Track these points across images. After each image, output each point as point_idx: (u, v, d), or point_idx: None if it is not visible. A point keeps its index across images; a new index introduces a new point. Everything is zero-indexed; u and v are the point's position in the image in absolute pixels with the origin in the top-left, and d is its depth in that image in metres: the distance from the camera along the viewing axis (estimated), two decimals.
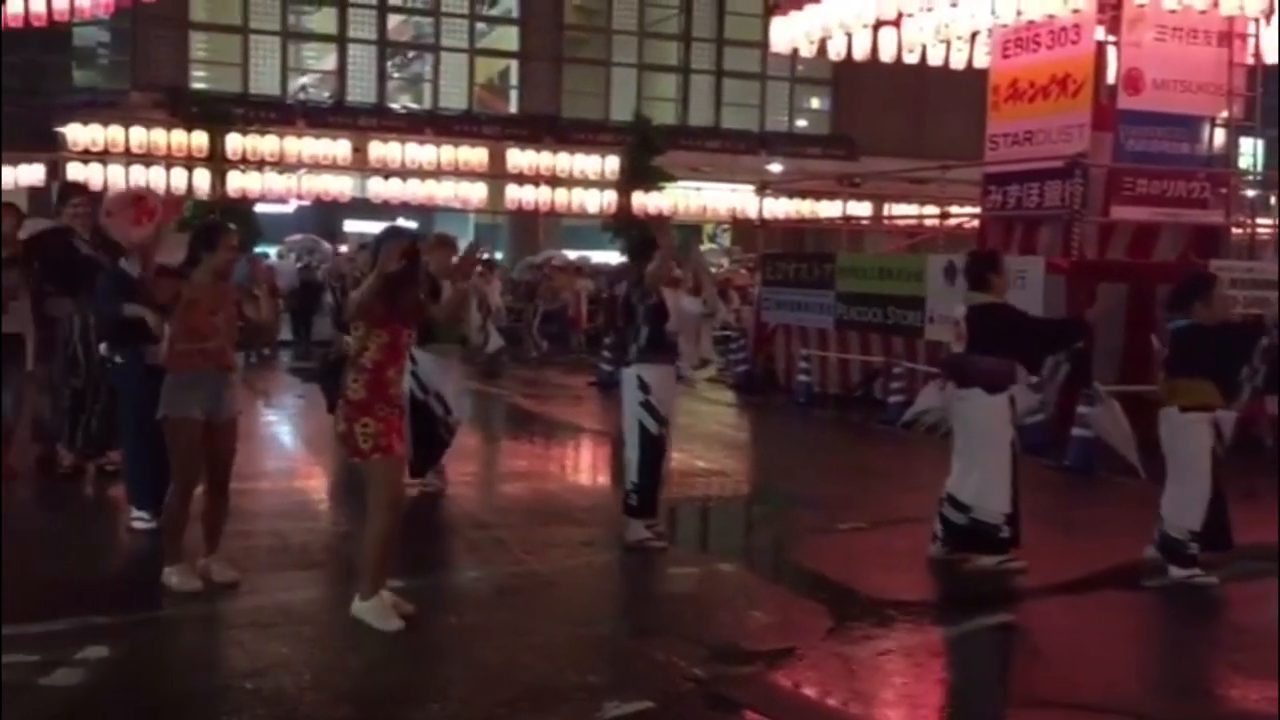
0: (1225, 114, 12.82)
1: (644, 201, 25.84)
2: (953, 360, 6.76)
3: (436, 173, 25.44)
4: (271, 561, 6.29)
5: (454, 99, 29.58)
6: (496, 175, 26.04)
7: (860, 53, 15.26)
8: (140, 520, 6.69)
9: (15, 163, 22.57)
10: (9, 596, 5.13)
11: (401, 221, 28.85)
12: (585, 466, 10.96)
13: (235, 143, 23.51)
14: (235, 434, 5.85)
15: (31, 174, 22.61)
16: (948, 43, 14.82)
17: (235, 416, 5.85)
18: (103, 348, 7.01)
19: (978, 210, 14.76)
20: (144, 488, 6.62)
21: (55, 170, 21.37)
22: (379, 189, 25.19)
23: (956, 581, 6.31)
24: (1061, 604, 6.09)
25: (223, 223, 5.94)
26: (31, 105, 24.52)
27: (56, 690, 4.36)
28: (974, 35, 14.35)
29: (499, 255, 29.34)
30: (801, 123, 33.03)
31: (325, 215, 28.67)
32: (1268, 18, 12.39)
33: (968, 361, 6.52)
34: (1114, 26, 12.29)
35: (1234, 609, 6.18)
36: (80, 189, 9.04)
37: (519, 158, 26.25)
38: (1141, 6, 11.96)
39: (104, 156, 23.01)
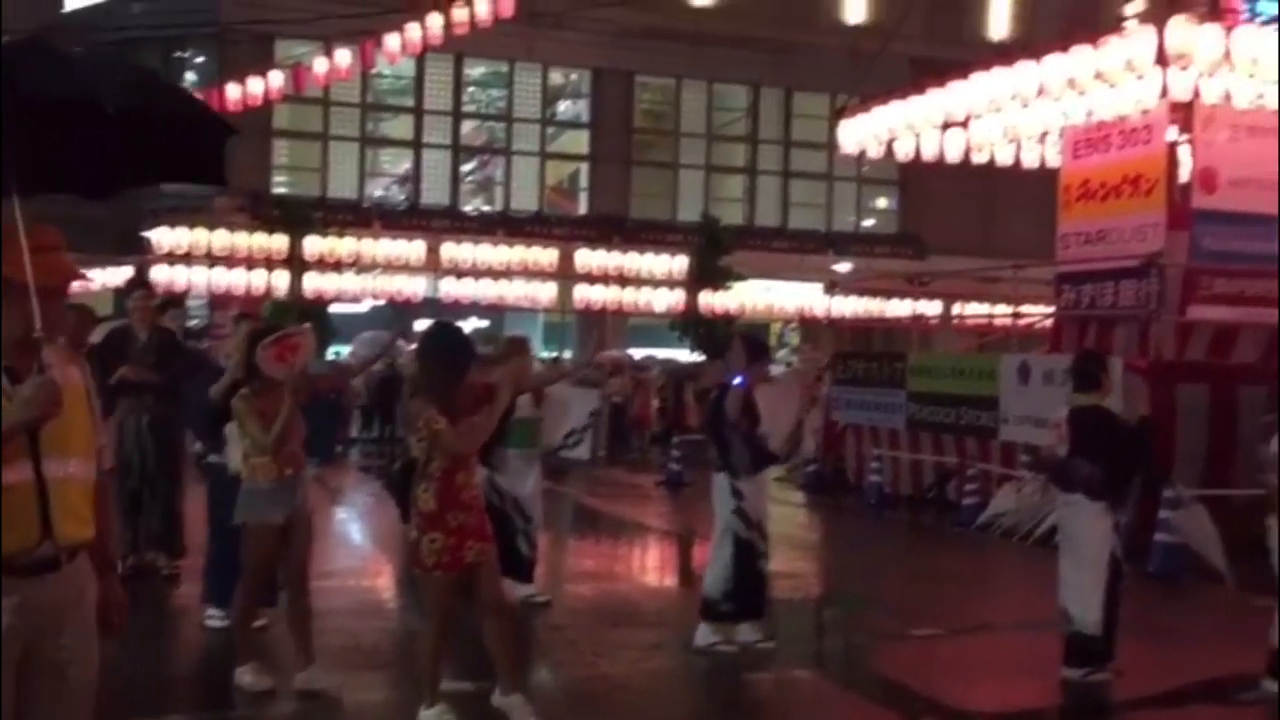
0: None
1: (711, 301, 26.01)
2: (1054, 463, 6.53)
3: (507, 273, 25.92)
4: (344, 660, 6.27)
5: (525, 200, 30.18)
6: (566, 275, 26.43)
7: (928, 153, 15.37)
8: (215, 618, 6.73)
9: (105, 265, 23.43)
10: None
11: (474, 320, 29.45)
12: (652, 567, 10.86)
13: (314, 245, 24.17)
14: (310, 530, 5.90)
15: (119, 276, 23.38)
16: (1017, 142, 14.87)
17: (310, 513, 5.91)
18: (198, 446, 7.09)
19: (1051, 309, 14.62)
20: (226, 587, 6.63)
21: (141, 273, 22.05)
22: (451, 289, 25.69)
23: (1041, 693, 6.10)
24: (1151, 717, 5.85)
25: (271, 332, 5.86)
26: (121, 210, 25.46)
27: None
28: (1044, 135, 14.37)
29: (567, 354, 29.59)
30: (869, 222, 33.15)
31: (399, 315, 29.21)
32: None
33: (1071, 466, 6.27)
34: (1187, 125, 12.22)
35: None
36: (139, 285, 9.02)
37: (588, 257, 26.65)
38: (1214, 106, 11.92)
39: (188, 259, 23.79)
